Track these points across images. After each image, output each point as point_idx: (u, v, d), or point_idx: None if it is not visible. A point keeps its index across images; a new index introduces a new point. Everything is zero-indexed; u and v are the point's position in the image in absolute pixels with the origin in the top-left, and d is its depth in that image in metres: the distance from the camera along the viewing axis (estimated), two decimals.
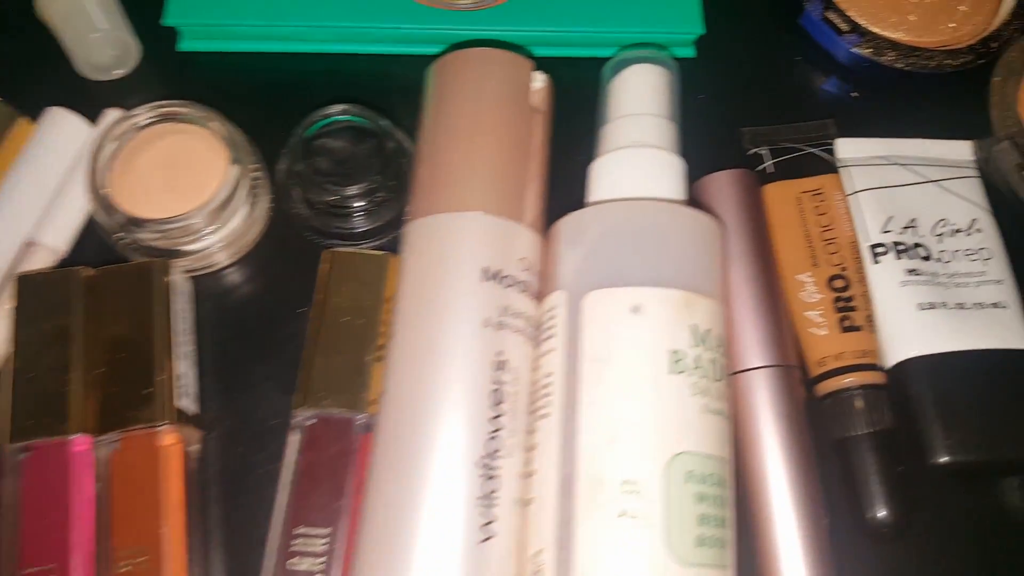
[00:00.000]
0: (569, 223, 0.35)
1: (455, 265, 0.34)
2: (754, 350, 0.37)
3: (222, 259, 0.41)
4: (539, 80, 0.38)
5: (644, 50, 0.40)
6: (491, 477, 0.31)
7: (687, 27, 0.44)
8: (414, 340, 0.33)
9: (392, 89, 0.43)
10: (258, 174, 0.41)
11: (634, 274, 0.33)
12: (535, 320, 0.35)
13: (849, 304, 0.38)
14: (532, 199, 0.36)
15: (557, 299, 0.34)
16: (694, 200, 0.40)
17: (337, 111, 0.39)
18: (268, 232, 0.42)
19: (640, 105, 0.38)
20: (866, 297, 0.39)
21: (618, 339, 0.32)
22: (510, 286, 0.34)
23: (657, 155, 0.36)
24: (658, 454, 0.30)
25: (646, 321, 0.32)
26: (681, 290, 0.32)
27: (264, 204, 0.42)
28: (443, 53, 0.39)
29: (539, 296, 0.35)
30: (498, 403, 0.32)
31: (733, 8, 0.47)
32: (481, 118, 0.37)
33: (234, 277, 0.42)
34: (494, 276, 0.34)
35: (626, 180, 0.36)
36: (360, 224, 0.41)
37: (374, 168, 0.39)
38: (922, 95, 0.46)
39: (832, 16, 0.45)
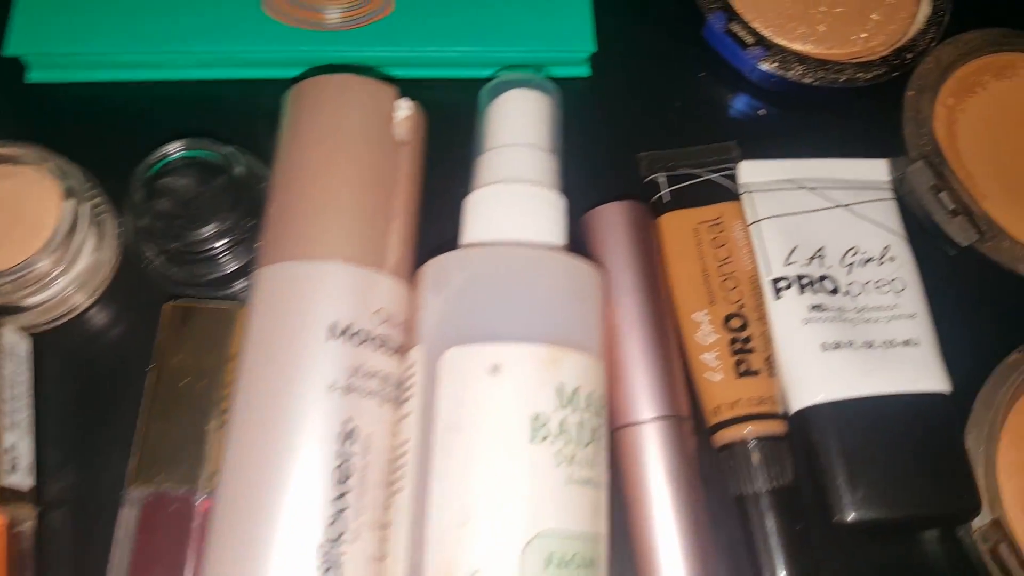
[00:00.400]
0: (432, 269, 0.32)
1: (298, 321, 0.30)
2: (642, 400, 0.34)
3: (80, 300, 0.38)
4: (404, 108, 0.35)
5: (523, 73, 0.36)
6: (330, 567, 0.28)
7: (577, 45, 0.41)
8: (252, 407, 0.30)
9: (259, 116, 0.40)
10: (100, 205, 0.37)
11: (495, 328, 0.30)
12: (396, 378, 0.31)
13: (746, 346, 0.35)
14: (396, 242, 0.33)
15: (416, 355, 0.31)
16: (581, 234, 0.37)
17: (174, 148, 0.36)
18: (124, 280, 0.38)
19: (517, 135, 0.35)
20: (766, 337, 0.36)
21: (473, 403, 0.28)
22: (363, 343, 0.31)
23: (532, 192, 0.33)
24: (514, 537, 0.27)
25: (505, 382, 0.28)
26: (547, 345, 0.29)
27: (112, 237, 0.38)
28: (300, 78, 0.35)
29: (404, 349, 0.32)
30: (344, 479, 0.29)
31: (632, 21, 0.44)
32: (336, 153, 0.33)
33: (83, 331, 0.38)
34: (343, 333, 0.30)
35: (496, 220, 0.33)
36: (222, 267, 0.37)
37: (224, 206, 0.36)
38: (834, 111, 0.43)
39: (736, 28, 0.41)
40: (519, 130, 0.35)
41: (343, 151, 0.33)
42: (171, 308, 0.34)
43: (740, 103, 0.43)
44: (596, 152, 0.41)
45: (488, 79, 0.41)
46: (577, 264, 0.32)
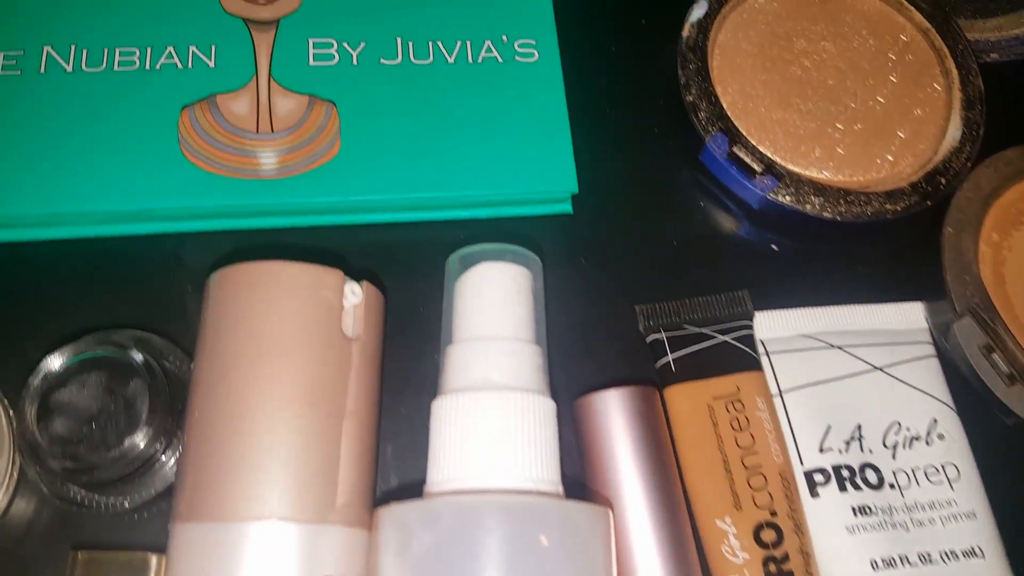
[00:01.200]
0: (391, 522, 0.26)
1: None
2: None
3: None
4: (354, 294, 0.29)
5: (497, 245, 0.30)
6: None
7: (557, 185, 0.35)
8: None
9: (184, 276, 0.34)
10: None
11: None
12: None
13: (783, 567, 0.29)
14: (347, 478, 0.27)
15: None
16: (573, 421, 0.30)
17: (57, 361, 0.29)
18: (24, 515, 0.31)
19: (493, 325, 0.28)
20: (805, 553, 0.29)
21: None
22: None
23: (515, 407, 0.26)
24: None
25: None
26: None
27: (7, 437, 0.31)
28: (223, 261, 0.29)
29: None
30: None
31: (618, 144, 0.38)
32: (268, 366, 0.27)
33: None
34: None
35: (471, 450, 0.26)
36: (161, 478, 0.31)
37: (137, 410, 0.29)
38: (859, 245, 0.37)
39: (740, 152, 0.35)
40: (495, 319, 0.28)
41: (277, 363, 0.27)
42: (73, 556, 0.28)
43: (746, 239, 0.37)
44: (584, 304, 0.35)
45: (456, 221, 0.35)
46: (579, 512, 0.25)
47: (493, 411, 0.26)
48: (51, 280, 0.34)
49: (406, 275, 0.34)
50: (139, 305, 0.34)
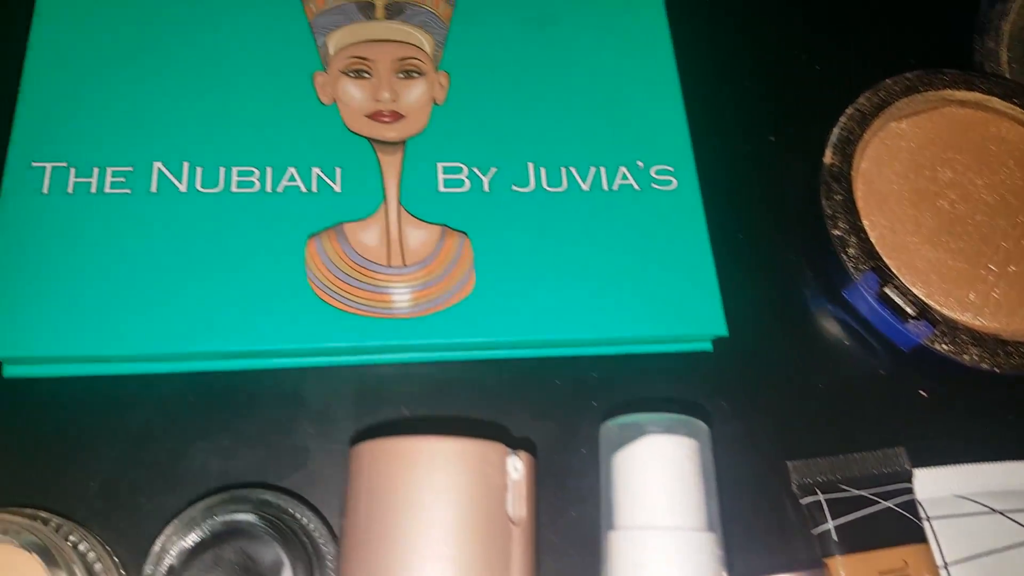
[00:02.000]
0: None
1: None
2: None
3: None
4: (516, 470, 0.26)
5: (662, 415, 0.28)
6: None
7: (704, 327, 0.33)
8: None
9: (307, 419, 0.32)
10: (87, 551, 0.28)
11: None
12: None
13: None
14: None
15: None
16: None
17: (189, 540, 0.27)
18: None
19: (663, 513, 0.26)
20: None
21: None
22: None
23: None
24: None
25: None
26: None
27: None
28: (365, 434, 0.27)
29: None
30: None
31: (755, 276, 0.36)
32: (427, 556, 0.25)
33: None
34: None
35: None
36: None
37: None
38: (1009, 392, 0.35)
39: (892, 294, 0.34)
40: (667, 505, 0.26)
41: (438, 548, 0.25)
42: None
43: (894, 382, 0.35)
44: (728, 453, 0.33)
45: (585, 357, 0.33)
46: None
47: None
48: (157, 419, 0.32)
49: (538, 416, 0.32)
50: (258, 450, 0.31)
